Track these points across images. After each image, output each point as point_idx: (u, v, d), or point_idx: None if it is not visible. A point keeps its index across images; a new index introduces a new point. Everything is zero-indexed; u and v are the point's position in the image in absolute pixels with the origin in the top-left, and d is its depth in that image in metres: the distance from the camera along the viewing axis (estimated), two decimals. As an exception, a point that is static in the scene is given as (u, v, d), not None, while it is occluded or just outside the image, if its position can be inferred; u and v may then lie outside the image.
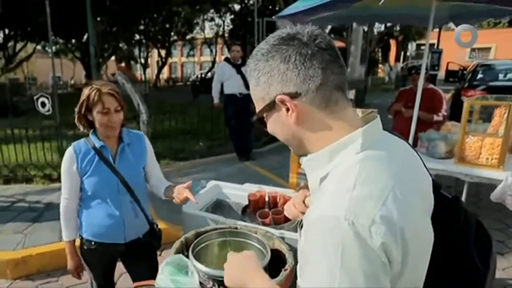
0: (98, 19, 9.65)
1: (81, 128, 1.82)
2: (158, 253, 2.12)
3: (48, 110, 4.99)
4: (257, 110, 0.86)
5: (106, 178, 1.79)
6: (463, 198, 3.15)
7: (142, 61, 21.41)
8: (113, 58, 16.39)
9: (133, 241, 1.90)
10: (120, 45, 15.00)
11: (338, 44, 16.12)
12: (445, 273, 0.93)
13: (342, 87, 0.79)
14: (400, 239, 0.69)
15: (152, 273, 2.01)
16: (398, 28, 25.62)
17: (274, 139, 5.66)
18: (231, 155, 6.17)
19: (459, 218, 0.98)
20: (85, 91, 1.73)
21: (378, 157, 0.76)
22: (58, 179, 5.03)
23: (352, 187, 0.69)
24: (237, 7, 17.88)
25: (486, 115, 3.92)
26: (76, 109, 1.75)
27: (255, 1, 9.03)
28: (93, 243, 1.86)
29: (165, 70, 29.65)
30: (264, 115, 0.85)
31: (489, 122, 3.67)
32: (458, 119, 4.02)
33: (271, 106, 0.82)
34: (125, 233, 1.87)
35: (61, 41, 19.15)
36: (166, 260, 1.32)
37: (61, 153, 5.45)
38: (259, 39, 9.08)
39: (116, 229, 1.85)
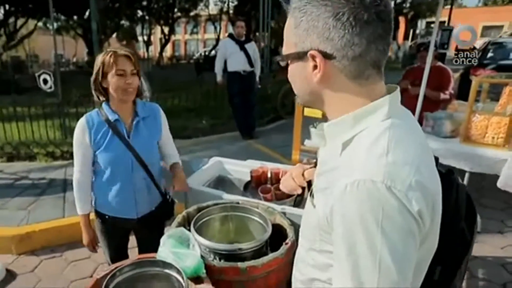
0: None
1: (96, 98, 1.76)
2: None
3: (50, 87, 4.99)
4: (284, 51, 0.82)
5: (120, 155, 1.74)
6: (466, 179, 3.14)
7: (145, 38, 21.22)
8: (114, 35, 16.20)
9: (145, 215, 1.89)
10: (122, 22, 14.77)
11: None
12: (439, 246, 0.92)
13: (379, 64, 0.76)
14: (431, 205, 0.69)
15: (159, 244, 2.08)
16: (408, 4, 25.04)
17: (277, 117, 5.68)
18: (234, 133, 6.17)
19: (452, 193, 0.98)
20: (99, 58, 1.67)
21: (404, 125, 0.75)
22: (61, 157, 5.11)
23: (386, 152, 0.68)
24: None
25: (495, 94, 3.88)
26: (92, 77, 1.70)
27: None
28: (107, 217, 1.86)
29: (168, 47, 29.32)
30: (289, 61, 0.81)
31: (497, 101, 3.63)
32: (466, 99, 3.98)
33: (301, 56, 0.77)
34: (137, 209, 1.85)
35: (62, 18, 18.97)
36: (168, 233, 1.35)
37: (64, 131, 5.52)
38: (264, 15, 8.94)
39: (128, 206, 1.84)
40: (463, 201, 1.02)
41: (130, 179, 1.79)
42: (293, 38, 0.78)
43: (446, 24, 11.97)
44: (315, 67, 0.75)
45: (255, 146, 5.67)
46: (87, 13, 12.44)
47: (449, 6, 12.02)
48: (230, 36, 5.78)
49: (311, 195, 0.88)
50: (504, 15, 27.99)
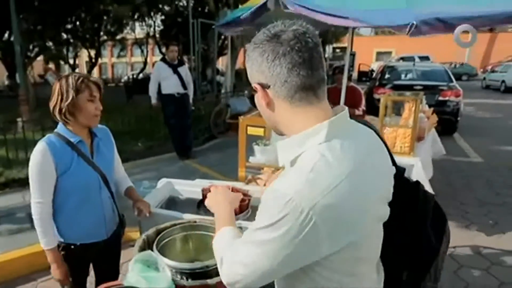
0: (21, 16, 8.66)
1: (61, 121, 1.62)
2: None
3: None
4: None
5: (87, 175, 1.65)
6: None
7: (71, 61, 19.68)
8: (39, 58, 14.76)
9: (112, 235, 1.81)
10: (48, 44, 13.55)
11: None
12: (404, 249, 1.02)
13: (309, 87, 0.82)
14: (340, 226, 0.76)
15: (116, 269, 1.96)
16: (317, 32, 26.80)
17: (211, 137, 5.69)
18: (172, 154, 6.00)
19: (418, 200, 1.05)
20: (67, 81, 1.56)
21: (341, 146, 0.80)
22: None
23: (307, 173, 0.76)
24: (167, 8, 17.33)
25: (397, 109, 4.35)
26: (56, 101, 1.56)
27: (190, 2, 8.85)
28: (72, 246, 1.69)
29: (95, 71, 27.63)
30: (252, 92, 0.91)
31: (399, 115, 4.08)
32: (371, 114, 4.37)
33: (254, 90, 0.88)
34: (106, 229, 1.77)
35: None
36: (135, 257, 1.28)
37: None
38: (194, 39, 8.95)
39: (98, 227, 1.73)
40: (429, 210, 1.07)
41: (99, 199, 1.70)
42: (250, 77, 0.90)
43: (349, 49, 13.13)
44: (262, 96, 0.86)
45: (193, 165, 5.58)
46: (6, 35, 11.20)
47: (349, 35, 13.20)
48: (163, 60, 5.68)
49: None
50: (391, 43, 31.59)
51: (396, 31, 2.82)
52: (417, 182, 1.08)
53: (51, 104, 1.59)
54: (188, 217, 1.81)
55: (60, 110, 1.58)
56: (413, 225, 1.03)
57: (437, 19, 2.59)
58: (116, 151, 1.88)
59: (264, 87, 0.84)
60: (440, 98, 7.54)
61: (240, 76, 13.41)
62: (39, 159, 1.55)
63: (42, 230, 1.60)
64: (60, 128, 1.64)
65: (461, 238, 3.44)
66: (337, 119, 0.83)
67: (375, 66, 22.69)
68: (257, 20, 3.88)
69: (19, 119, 6.56)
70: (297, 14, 2.93)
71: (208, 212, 1.97)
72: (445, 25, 2.61)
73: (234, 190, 2.06)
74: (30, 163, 1.57)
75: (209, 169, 5.31)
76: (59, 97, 1.56)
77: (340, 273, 0.84)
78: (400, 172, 1.01)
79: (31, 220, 1.63)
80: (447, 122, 7.27)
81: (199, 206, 2.09)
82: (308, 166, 0.77)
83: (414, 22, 2.47)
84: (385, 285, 0.99)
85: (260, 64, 0.83)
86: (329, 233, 0.75)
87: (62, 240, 1.69)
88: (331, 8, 2.87)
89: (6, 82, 16.48)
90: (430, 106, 5.66)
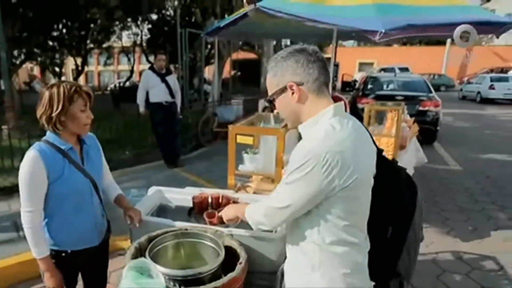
0: (6, 22, 8.49)
1: (50, 130, 1.59)
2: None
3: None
4: (270, 94, 1.25)
5: (80, 182, 1.65)
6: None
7: (57, 69, 19.31)
8: (24, 65, 14.45)
9: (103, 241, 1.82)
10: (35, 51, 13.28)
11: (251, 56, 16.39)
12: (384, 212, 1.32)
13: (327, 83, 1.20)
14: (346, 166, 1.07)
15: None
16: (302, 43, 27.20)
17: (199, 145, 5.69)
18: (159, 162, 5.94)
19: (394, 171, 1.44)
20: (58, 90, 1.54)
21: (342, 121, 1.15)
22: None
23: (321, 134, 1.11)
24: (154, 16, 17.29)
25: (379, 118, 4.46)
26: (45, 109, 1.54)
27: (177, 12, 8.85)
28: (63, 254, 1.66)
29: (82, 78, 27.18)
30: (275, 97, 1.23)
31: (381, 124, 4.18)
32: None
33: (283, 90, 1.20)
34: (98, 234, 1.77)
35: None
36: (128, 265, 1.27)
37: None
38: (182, 48, 8.95)
39: (91, 232, 1.73)
40: (403, 179, 1.46)
41: (91, 205, 1.71)
42: (275, 82, 1.23)
43: (332, 60, 13.35)
44: (292, 93, 1.19)
45: (182, 174, 5.54)
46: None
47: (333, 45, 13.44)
48: (151, 68, 5.65)
49: None
50: (373, 54, 32.29)
51: (372, 39, 3.00)
52: (394, 159, 1.55)
53: (39, 112, 1.57)
54: (180, 224, 1.80)
55: (50, 119, 1.55)
56: (392, 189, 1.37)
57: (405, 26, 2.80)
58: (103, 158, 1.88)
59: (299, 84, 1.17)
60: (420, 108, 7.74)
61: (227, 86, 13.45)
62: (31, 167, 1.52)
63: (33, 239, 1.56)
64: (49, 135, 1.62)
65: (442, 244, 3.52)
66: (339, 104, 1.19)
67: (358, 76, 23.09)
68: (239, 26, 4.04)
69: (4, 127, 6.41)
70: (275, 18, 3.17)
71: (199, 220, 1.99)
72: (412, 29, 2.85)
73: (224, 197, 2.08)
74: (21, 171, 1.53)
75: (197, 177, 5.28)
76: (49, 106, 1.54)
77: (342, 210, 1.12)
78: (380, 151, 1.37)
79: (17, 230, 1.60)
80: (427, 132, 7.45)
81: (190, 213, 2.09)
82: (322, 131, 1.12)
83: (383, 30, 2.71)
84: (373, 244, 1.27)
85: (295, 68, 1.17)
86: (339, 171, 1.07)
87: (53, 247, 1.65)
88: (307, 13, 3.24)
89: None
90: (411, 116, 5.81)
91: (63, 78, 18.87)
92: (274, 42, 14.79)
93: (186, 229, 1.70)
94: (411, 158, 4.28)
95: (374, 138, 3.51)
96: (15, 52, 11.61)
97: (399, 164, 1.54)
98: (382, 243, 1.33)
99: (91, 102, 1.64)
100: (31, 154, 1.53)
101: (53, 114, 1.54)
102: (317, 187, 1.08)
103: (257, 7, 3.33)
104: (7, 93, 7.53)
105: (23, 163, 1.54)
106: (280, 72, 1.19)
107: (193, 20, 14.09)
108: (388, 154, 3.52)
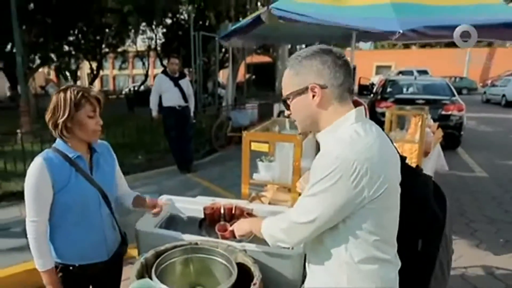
0: (23, 27, 8.68)
1: (60, 136, 1.54)
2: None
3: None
4: (286, 93, 1.15)
5: (86, 192, 1.57)
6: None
7: (67, 73, 19.67)
8: (40, 69, 14.82)
9: (114, 255, 1.72)
10: (51, 56, 13.62)
11: (266, 59, 16.37)
12: (413, 225, 1.22)
13: (351, 89, 1.12)
14: (376, 175, 0.99)
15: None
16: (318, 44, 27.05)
17: (212, 150, 5.60)
18: (172, 168, 5.89)
19: (420, 180, 1.33)
20: (65, 95, 1.48)
21: (365, 126, 1.07)
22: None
23: (346, 140, 1.03)
24: (168, 21, 17.46)
25: (401, 123, 4.28)
26: (51, 115, 1.50)
27: (191, 15, 8.86)
28: (71, 267, 1.59)
29: (97, 82, 27.68)
30: (291, 97, 1.14)
31: (403, 129, 4.00)
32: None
33: (303, 91, 1.11)
34: (107, 249, 1.68)
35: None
36: (132, 285, 1.17)
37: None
38: (196, 51, 8.94)
39: (99, 247, 1.64)
40: (430, 188, 1.34)
41: (99, 216, 1.62)
42: (294, 82, 1.13)
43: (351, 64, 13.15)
44: (313, 96, 1.09)
45: (194, 179, 5.46)
46: (8, 46, 11.24)
47: (349, 48, 13.27)
48: (164, 72, 5.63)
49: None
50: (390, 56, 31.82)
51: (393, 41, 2.86)
52: (417, 166, 1.42)
53: (47, 118, 1.53)
54: (189, 238, 1.70)
55: (56, 125, 1.51)
56: (419, 199, 1.26)
57: (423, 27, 2.64)
58: (117, 166, 1.81)
59: (323, 87, 1.08)
60: (443, 112, 7.48)
61: (241, 89, 13.40)
62: (36, 175, 1.48)
63: (37, 250, 1.52)
64: (58, 143, 1.57)
65: (472, 258, 3.31)
66: (360, 109, 1.11)
67: (375, 79, 22.76)
68: (254, 31, 3.95)
69: (19, 130, 6.49)
70: (291, 22, 3.04)
71: (210, 232, 1.88)
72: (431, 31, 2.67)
73: (237, 209, 1.96)
74: (26, 180, 1.49)
75: (210, 183, 5.20)
76: (55, 112, 1.50)
77: (372, 224, 1.04)
78: (403, 158, 1.25)
79: (27, 236, 1.55)
80: (451, 137, 7.19)
81: (201, 225, 1.98)
82: (346, 136, 1.04)
83: (401, 31, 2.55)
84: (403, 258, 1.17)
85: (321, 69, 1.08)
86: (369, 180, 0.98)
87: (59, 260, 1.59)
88: (323, 14, 3.10)
89: (8, 93, 16.48)
90: (433, 120, 5.60)
91: (78, 83, 19.23)
92: (289, 46, 14.72)
93: (196, 243, 1.60)
94: (434, 165, 4.09)
95: (397, 144, 3.39)
96: (31, 57, 11.85)
97: (424, 171, 1.45)
98: (413, 258, 1.22)
99: (101, 108, 1.58)
100: (36, 162, 1.49)
101: (59, 120, 1.50)
102: (345, 199, 1.00)
103: (270, 10, 3.21)
104: (23, 98, 7.68)
105: (28, 171, 1.50)
106: (304, 71, 1.10)
107: (207, 24, 14.14)
108: (411, 161, 3.35)
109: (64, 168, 1.53)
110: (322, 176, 1.00)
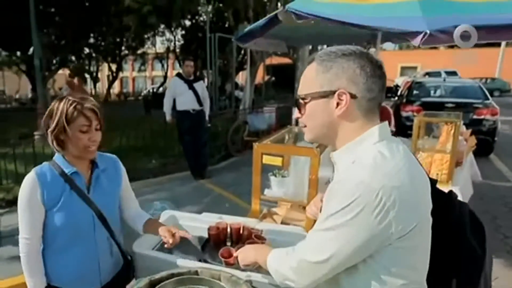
0: (45, 30, 8.84)
1: (55, 149, 1.45)
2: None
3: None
4: (304, 92, 0.97)
5: (80, 212, 1.44)
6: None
7: (93, 75, 20.15)
8: (60, 71, 15.20)
9: (108, 283, 1.57)
10: (72, 58, 13.96)
11: (285, 61, 16.13)
12: (448, 260, 1.07)
13: (380, 104, 0.97)
14: (405, 207, 0.84)
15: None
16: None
17: (228, 155, 5.38)
18: (186, 173, 5.78)
19: (454, 209, 1.14)
20: (60, 106, 1.38)
21: (391, 146, 0.92)
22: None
23: (370, 163, 0.87)
24: (187, 22, 17.58)
25: (429, 129, 3.98)
26: (50, 127, 1.40)
27: (207, 16, 8.80)
28: None
29: (116, 84, 28.24)
30: (309, 98, 0.96)
31: (430, 136, 3.71)
32: (400, 133, 4.03)
33: (327, 94, 0.93)
34: (101, 277, 1.54)
35: (3, 53, 17.50)
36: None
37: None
38: (212, 53, 8.86)
39: (90, 274, 1.51)
40: (466, 218, 1.15)
41: (92, 240, 1.49)
42: (319, 81, 0.94)
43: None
44: (337, 104, 0.92)
45: (208, 186, 5.34)
46: (31, 49, 11.56)
47: (373, 49, 12.92)
48: (179, 75, 5.55)
49: None
50: (416, 58, 30.94)
51: (414, 43, 2.58)
52: (451, 191, 1.18)
53: (49, 132, 1.43)
54: (189, 264, 1.53)
55: (53, 138, 1.41)
56: (452, 232, 1.09)
57: (454, 27, 2.36)
58: (125, 184, 1.66)
59: (352, 96, 0.92)
60: (475, 117, 7.07)
61: (259, 91, 13.25)
62: (27, 190, 1.41)
63: (28, 269, 1.44)
64: (57, 156, 1.48)
65: (509, 278, 3.00)
66: (384, 125, 0.96)
67: (400, 81, 22.14)
68: (270, 32, 3.79)
69: (36, 133, 6.56)
70: (308, 21, 2.85)
71: (214, 256, 1.71)
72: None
73: (245, 229, 1.79)
74: (19, 194, 1.42)
75: (224, 190, 5.06)
76: (49, 123, 1.40)
77: (399, 265, 0.89)
78: (433, 181, 1.08)
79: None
80: (483, 143, 6.76)
81: (204, 247, 1.81)
82: (369, 159, 0.88)
83: (428, 31, 2.28)
84: None
85: (357, 75, 0.91)
86: (397, 213, 0.83)
87: (49, 281, 1.49)
88: (342, 15, 2.87)
89: (30, 95, 16.97)
90: (464, 125, 5.24)
91: (98, 84, 19.59)
92: (310, 47, 14.47)
93: (196, 272, 1.43)
94: (467, 176, 3.78)
95: (426, 155, 3.11)
96: (53, 59, 12.13)
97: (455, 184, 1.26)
98: None
99: (99, 120, 1.44)
100: (29, 177, 1.42)
101: (49, 131, 1.40)
102: (367, 236, 0.84)
103: (286, 9, 3.04)
104: (40, 100, 7.80)
105: (22, 185, 1.43)
106: (335, 71, 0.92)
107: (226, 25, 14.09)
108: (442, 172, 3.08)
109: (57, 185, 1.43)
110: (340, 207, 0.85)
